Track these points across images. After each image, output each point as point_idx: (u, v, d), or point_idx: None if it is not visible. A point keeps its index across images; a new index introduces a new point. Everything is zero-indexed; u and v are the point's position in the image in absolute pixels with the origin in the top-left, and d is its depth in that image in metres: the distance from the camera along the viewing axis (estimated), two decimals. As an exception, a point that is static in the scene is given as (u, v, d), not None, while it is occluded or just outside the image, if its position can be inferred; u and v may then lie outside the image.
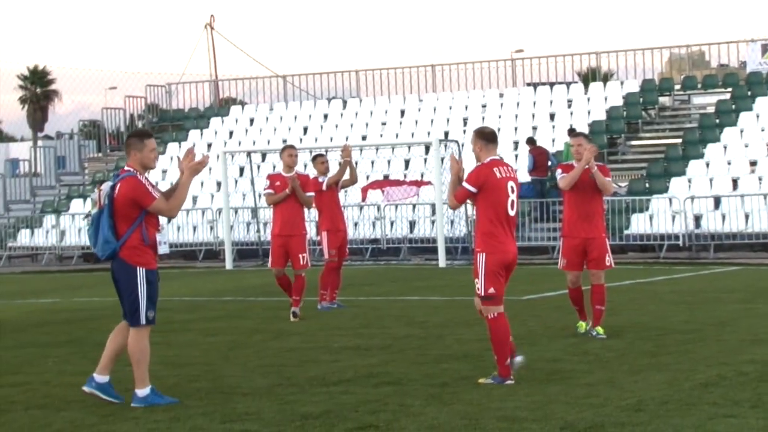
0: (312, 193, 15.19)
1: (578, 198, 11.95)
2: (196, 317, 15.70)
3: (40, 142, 72.29)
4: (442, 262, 25.23)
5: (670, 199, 26.94)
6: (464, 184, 9.41)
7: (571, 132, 29.75)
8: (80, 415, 8.58)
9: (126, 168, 8.96)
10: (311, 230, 27.49)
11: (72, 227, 32.01)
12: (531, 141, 29.85)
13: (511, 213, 9.41)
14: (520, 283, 19.40)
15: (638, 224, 26.90)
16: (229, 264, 26.96)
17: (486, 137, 9.53)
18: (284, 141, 34.47)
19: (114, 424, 8.22)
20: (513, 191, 9.42)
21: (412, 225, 28.84)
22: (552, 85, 34.66)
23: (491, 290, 9.34)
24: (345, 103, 36.34)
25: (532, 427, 7.56)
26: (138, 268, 8.83)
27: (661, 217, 26.70)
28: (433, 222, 27.87)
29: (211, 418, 8.27)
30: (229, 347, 12.22)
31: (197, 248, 30.28)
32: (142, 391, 8.87)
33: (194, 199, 32.67)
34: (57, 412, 8.72)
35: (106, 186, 8.91)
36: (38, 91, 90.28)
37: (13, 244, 32.63)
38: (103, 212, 8.81)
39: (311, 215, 20.03)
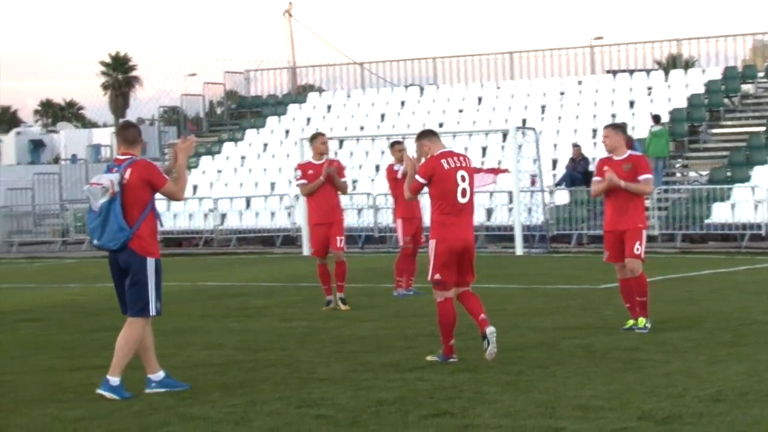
0: (346, 179, 14.90)
1: (613, 194, 11.59)
2: (273, 303, 15.81)
3: (121, 128, 73.15)
4: (519, 250, 25.12)
5: (753, 188, 26.50)
6: (416, 176, 9.97)
7: (655, 119, 29.48)
8: (159, 398, 8.68)
9: (126, 156, 8.87)
10: (388, 217, 27.61)
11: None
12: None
13: (463, 201, 9.88)
14: (596, 272, 19.25)
15: (719, 213, 26.50)
16: (306, 250, 27.05)
17: (426, 134, 10.19)
18: (361, 128, 34.54)
19: (191, 407, 8.31)
20: (464, 180, 9.88)
21: (489, 213, 28.73)
22: (632, 72, 34.27)
23: (437, 276, 9.95)
24: (422, 90, 36.28)
25: (609, 416, 7.49)
26: (148, 258, 8.78)
27: (743, 206, 26.27)
28: (510, 210, 27.74)
29: (287, 403, 8.32)
30: (305, 333, 12.28)
31: (275, 234, 30.46)
32: (115, 380, 8.79)
33: (272, 185, 32.88)
34: (136, 394, 8.82)
35: (110, 176, 8.73)
36: (120, 77, 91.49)
37: (95, 229, 33.08)
38: (115, 200, 8.69)
39: (391, 204, 19.95)
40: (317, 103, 37.32)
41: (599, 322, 12.39)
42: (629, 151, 11.68)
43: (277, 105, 38.24)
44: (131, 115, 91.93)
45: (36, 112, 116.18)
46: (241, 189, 33.11)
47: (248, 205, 32.02)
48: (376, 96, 36.69)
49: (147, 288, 8.78)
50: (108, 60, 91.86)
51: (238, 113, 39.72)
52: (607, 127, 11.94)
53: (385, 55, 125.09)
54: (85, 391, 9.01)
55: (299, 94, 39.42)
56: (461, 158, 9.99)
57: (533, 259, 23.87)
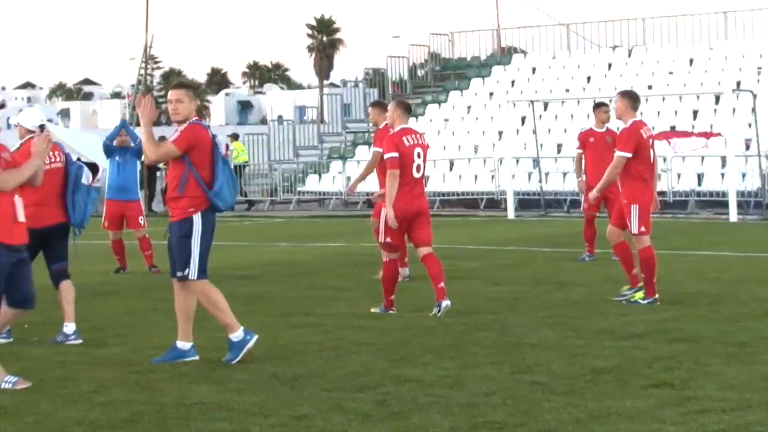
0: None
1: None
2: (480, 266, 15.74)
3: (326, 90, 74.54)
4: (733, 216, 24.28)
5: None
6: (386, 155, 10.85)
7: None
8: (371, 359, 8.72)
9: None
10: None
11: (357, 173, 32.66)
12: None
13: (417, 175, 10.93)
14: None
15: None
16: (511, 213, 26.91)
17: (405, 108, 11.17)
18: (567, 90, 34.00)
19: (404, 368, 8.32)
20: (419, 156, 10.91)
21: (700, 178, 27.90)
22: None
23: (387, 239, 11.02)
24: (630, 51, 35.45)
25: (842, 393, 7.12)
26: None
27: None
28: (722, 175, 26.87)
29: (500, 368, 8.23)
30: (514, 297, 12.17)
31: (479, 197, 30.36)
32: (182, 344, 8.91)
33: (475, 147, 32.76)
34: (349, 355, 8.90)
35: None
36: (324, 40, 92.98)
37: (302, 189, 33.73)
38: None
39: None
40: (522, 65, 36.94)
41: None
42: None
43: (481, 67, 38.03)
44: (335, 77, 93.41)
45: (243, 74, 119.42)
46: (444, 151, 33.13)
47: (451, 167, 32.01)
48: (582, 58, 36.06)
49: None
50: (313, 23, 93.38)
51: (442, 75, 39.68)
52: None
53: (592, 15, 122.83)
54: (301, 349, 9.15)
55: (504, 55, 39.09)
56: (419, 136, 11.03)
57: (748, 226, 23.06)
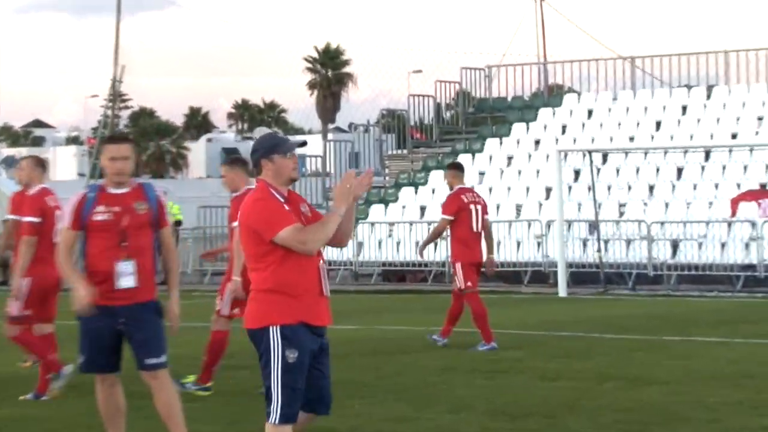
0: None
1: None
2: (528, 355, 15.66)
3: (330, 135, 74.84)
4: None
5: None
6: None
7: None
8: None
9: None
10: (666, 251, 26.73)
11: (371, 238, 32.57)
12: None
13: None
14: None
15: None
16: (562, 290, 26.79)
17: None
18: (631, 138, 34.02)
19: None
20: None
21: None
22: None
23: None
24: (710, 90, 35.53)
25: None
26: None
27: None
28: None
29: (562, 488, 8.12)
30: (574, 396, 12.06)
31: (521, 269, 30.25)
32: None
33: (517, 208, 32.74)
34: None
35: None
36: (330, 74, 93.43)
37: (302, 257, 33.57)
38: None
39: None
40: (575, 107, 37.05)
41: None
42: None
43: (524, 109, 38.17)
44: (342, 120, 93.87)
45: (230, 115, 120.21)
46: (479, 212, 33.08)
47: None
48: (649, 99, 36.15)
49: None
50: (315, 54, 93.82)
51: (476, 118, 39.82)
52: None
53: (660, 48, 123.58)
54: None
55: (552, 95, 39.23)
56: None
57: None
